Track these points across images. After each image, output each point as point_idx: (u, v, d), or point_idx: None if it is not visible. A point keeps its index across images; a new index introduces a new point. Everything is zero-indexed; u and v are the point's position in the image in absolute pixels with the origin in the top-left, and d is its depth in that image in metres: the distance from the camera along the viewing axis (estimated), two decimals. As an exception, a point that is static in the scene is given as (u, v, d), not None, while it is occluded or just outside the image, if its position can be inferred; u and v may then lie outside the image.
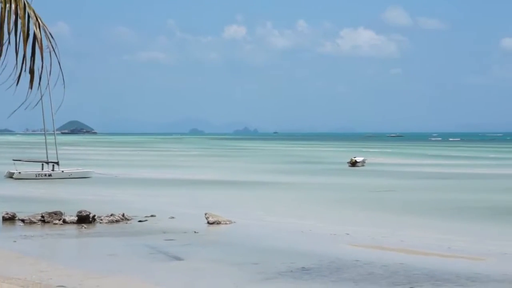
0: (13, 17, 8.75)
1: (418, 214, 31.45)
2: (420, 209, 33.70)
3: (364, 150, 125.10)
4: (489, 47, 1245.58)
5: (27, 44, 8.84)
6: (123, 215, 28.33)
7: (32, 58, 8.87)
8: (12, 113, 9.18)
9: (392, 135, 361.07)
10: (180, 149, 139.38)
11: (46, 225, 26.39)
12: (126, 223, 27.72)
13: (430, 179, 54.63)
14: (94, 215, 27.33)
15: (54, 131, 55.93)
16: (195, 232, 25.35)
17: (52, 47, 8.98)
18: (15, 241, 22.96)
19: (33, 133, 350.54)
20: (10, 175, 50.68)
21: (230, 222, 27.78)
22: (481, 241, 23.51)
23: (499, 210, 32.75)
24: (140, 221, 28.20)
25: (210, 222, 27.38)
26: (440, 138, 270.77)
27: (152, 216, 29.40)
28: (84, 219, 26.82)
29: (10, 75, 8.77)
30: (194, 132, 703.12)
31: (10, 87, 8.80)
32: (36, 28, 8.88)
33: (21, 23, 8.79)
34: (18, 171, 50.84)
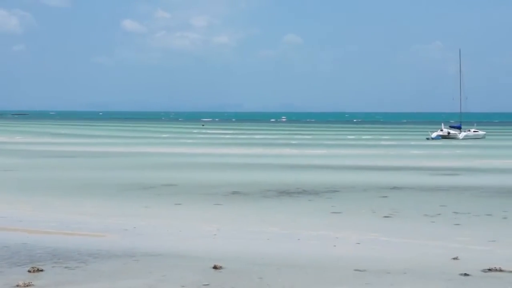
0: None
1: (39, 193, 31.03)
2: (42, 187, 33.32)
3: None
4: (111, 28, 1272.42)
5: None
6: None
7: None
8: None
9: (17, 113, 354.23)
10: None
11: None
12: None
13: (56, 157, 54.24)
14: None
15: None
16: None
17: None
18: None
19: None
20: None
21: None
22: (102, 218, 23.88)
23: (122, 187, 33.63)
24: None
25: None
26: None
27: None
28: None
29: None
30: None
31: None
32: None
33: None
34: None
